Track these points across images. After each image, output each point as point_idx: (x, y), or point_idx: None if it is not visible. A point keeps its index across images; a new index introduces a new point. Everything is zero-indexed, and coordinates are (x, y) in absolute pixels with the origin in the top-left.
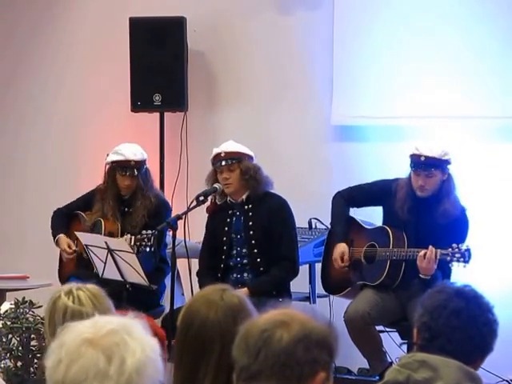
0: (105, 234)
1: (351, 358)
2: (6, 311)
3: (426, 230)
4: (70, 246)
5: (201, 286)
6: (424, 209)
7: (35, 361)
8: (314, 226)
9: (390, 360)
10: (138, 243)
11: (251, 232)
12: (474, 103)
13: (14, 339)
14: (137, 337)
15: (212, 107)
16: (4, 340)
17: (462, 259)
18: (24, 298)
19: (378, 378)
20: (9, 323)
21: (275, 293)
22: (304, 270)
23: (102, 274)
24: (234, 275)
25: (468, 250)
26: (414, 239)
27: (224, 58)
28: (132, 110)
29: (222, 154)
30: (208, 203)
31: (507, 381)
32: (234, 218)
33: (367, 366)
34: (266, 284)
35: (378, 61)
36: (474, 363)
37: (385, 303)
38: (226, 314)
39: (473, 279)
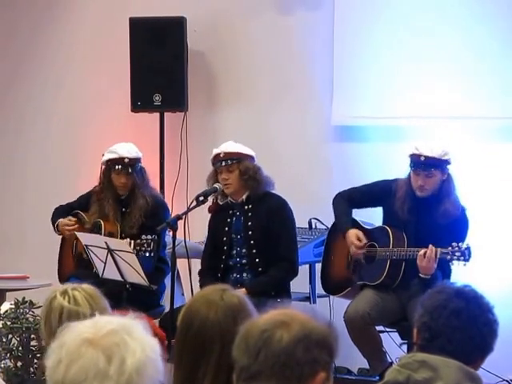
0: (105, 235)
1: (351, 357)
2: (6, 311)
3: (426, 230)
4: (70, 220)
5: (201, 286)
6: (424, 209)
7: (35, 361)
8: (314, 226)
9: (390, 360)
10: (138, 248)
11: (250, 232)
12: (473, 103)
13: (14, 339)
14: (137, 337)
15: (212, 107)
16: (4, 340)
17: (462, 258)
18: (24, 298)
19: (378, 378)
20: (9, 323)
21: (274, 293)
22: (304, 270)
23: (102, 274)
24: (234, 275)
25: (468, 249)
26: (413, 239)
27: (224, 58)
28: (132, 110)
29: (222, 155)
30: (209, 203)
31: (507, 381)
32: (234, 218)
33: (367, 366)
34: (263, 284)
35: (378, 61)
36: (474, 363)
37: (385, 303)
38: (225, 314)
39: (473, 279)
